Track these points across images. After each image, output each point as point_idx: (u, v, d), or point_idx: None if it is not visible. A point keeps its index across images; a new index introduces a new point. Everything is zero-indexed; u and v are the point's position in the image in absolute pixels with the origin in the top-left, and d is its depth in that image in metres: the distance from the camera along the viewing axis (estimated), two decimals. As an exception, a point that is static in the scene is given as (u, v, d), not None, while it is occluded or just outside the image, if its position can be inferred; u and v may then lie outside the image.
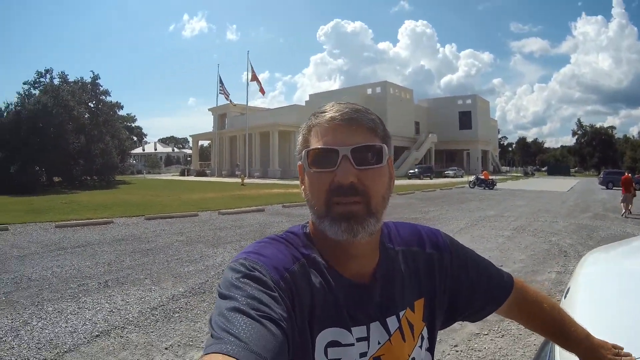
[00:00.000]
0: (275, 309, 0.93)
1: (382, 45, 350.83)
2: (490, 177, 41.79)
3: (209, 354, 0.80)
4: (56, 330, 5.70)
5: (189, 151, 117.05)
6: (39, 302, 6.88)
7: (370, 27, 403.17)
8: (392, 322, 1.16)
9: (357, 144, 1.08)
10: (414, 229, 1.36)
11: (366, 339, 1.12)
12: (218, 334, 0.86)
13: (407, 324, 1.18)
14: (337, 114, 1.10)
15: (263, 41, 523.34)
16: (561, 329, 1.41)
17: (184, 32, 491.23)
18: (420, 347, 1.22)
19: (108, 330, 5.73)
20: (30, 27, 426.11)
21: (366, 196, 1.07)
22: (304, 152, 1.13)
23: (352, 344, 1.09)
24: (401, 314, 1.18)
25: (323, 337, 1.07)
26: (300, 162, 1.18)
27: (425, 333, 1.24)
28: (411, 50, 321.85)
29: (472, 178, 44.80)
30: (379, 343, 1.13)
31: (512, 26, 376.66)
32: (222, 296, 0.98)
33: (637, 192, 22.04)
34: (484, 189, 39.50)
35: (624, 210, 20.08)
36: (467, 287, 1.32)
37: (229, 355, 0.80)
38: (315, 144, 1.12)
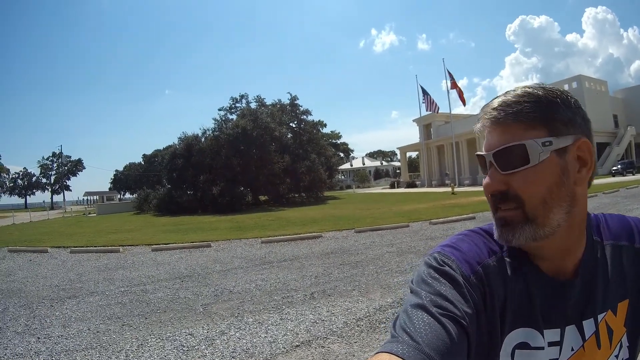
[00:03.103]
0: (460, 306, 0.94)
1: (570, 37, 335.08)
2: None
3: (379, 352, 0.83)
4: (254, 340, 5.78)
5: (397, 163, 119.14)
6: (239, 313, 7.05)
7: (555, 19, 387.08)
8: (588, 325, 1.08)
9: (499, 147, 1.03)
10: (624, 221, 1.24)
11: (559, 343, 1.07)
12: (395, 332, 0.89)
13: (605, 329, 1.09)
14: (485, 113, 1.07)
15: (455, 47, 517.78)
16: None
17: (375, 47, 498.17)
18: (617, 356, 1.11)
19: (309, 341, 5.71)
20: (219, 52, 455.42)
21: (519, 202, 1.02)
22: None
23: (542, 348, 1.05)
24: (600, 317, 1.09)
25: (512, 337, 1.04)
26: None
27: (625, 341, 1.13)
28: (598, 40, 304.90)
29: None
30: (572, 350, 1.07)
31: None
32: (411, 291, 1.02)
33: None
34: None
35: None
36: None
37: (396, 355, 0.82)
38: (480, 149, 1.12)
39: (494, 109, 1.05)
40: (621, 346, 1.11)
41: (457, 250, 1.07)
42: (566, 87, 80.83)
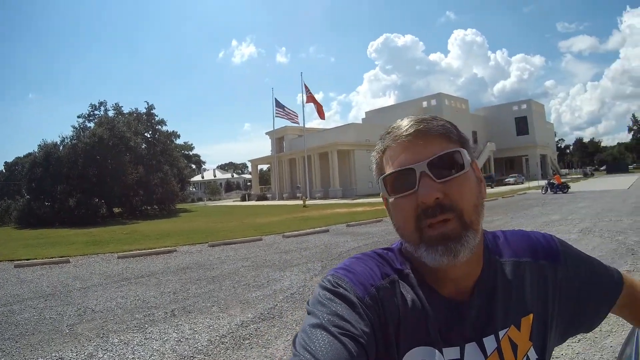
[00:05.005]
0: (357, 326, 0.94)
1: (434, 57, 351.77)
2: (562, 181, 41.14)
3: None
4: None
5: (248, 176, 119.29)
6: (103, 333, 6.87)
7: (421, 39, 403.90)
8: (489, 342, 1.08)
9: (431, 156, 1.03)
10: (526, 237, 1.27)
11: None
12: (297, 351, 0.90)
13: (508, 344, 1.10)
14: (402, 130, 1.07)
15: (314, 61, 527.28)
16: None
17: (234, 58, 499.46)
18: None
19: None
20: (80, 59, 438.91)
21: (457, 210, 1.02)
22: (380, 180, 1.11)
23: None
24: (502, 333, 1.10)
25: (411, 356, 1.03)
26: (382, 193, 1.15)
27: (532, 354, 1.13)
28: (463, 60, 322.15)
29: (543, 183, 44.60)
30: None
31: (558, 26, 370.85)
32: (308, 312, 1.01)
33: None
34: (555, 192, 39.10)
35: None
36: (581, 296, 1.24)
37: None
38: (389, 168, 1.08)
39: (419, 121, 1.07)
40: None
41: (350, 272, 1.07)
42: (425, 104, 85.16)
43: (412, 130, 1.05)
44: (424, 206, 1.00)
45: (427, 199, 0.99)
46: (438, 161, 1.02)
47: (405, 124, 1.08)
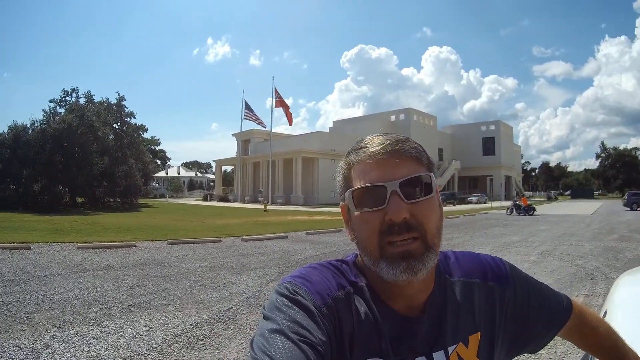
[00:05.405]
0: (315, 334, 0.95)
1: (406, 72, 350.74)
2: (528, 203, 41.33)
3: None
4: (78, 355, 5.62)
5: (212, 176, 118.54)
6: (60, 324, 6.85)
7: (395, 53, 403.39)
8: (439, 357, 1.10)
9: (404, 177, 1.05)
10: (476, 259, 1.31)
11: None
12: (256, 355, 0.91)
13: None
14: (378, 148, 1.08)
15: (287, 67, 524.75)
16: (615, 353, 1.39)
17: (208, 56, 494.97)
18: None
19: (131, 357, 5.63)
20: (55, 45, 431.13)
21: (421, 231, 1.04)
22: (347, 192, 1.12)
23: None
24: (451, 349, 1.12)
25: None
26: (343, 203, 1.18)
27: None
28: (435, 77, 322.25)
29: (507, 204, 44.76)
30: None
31: (534, 50, 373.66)
32: (265, 317, 1.01)
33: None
34: (522, 215, 39.11)
35: None
36: (529, 318, 1.27)
37: None
38: (359, 182, 1.09)
39: (395, 141, 1.09)
40: None
41: (307, 281, 1.08)
42: (393, 118, 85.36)
43: (389, 149, 1.07)
44: (391, 223, 1.03)
45: (397, 217, 1.02)
46: (409, 182, 1.05)
47: (380, 141, 1.10)
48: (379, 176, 1.06)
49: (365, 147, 1.10)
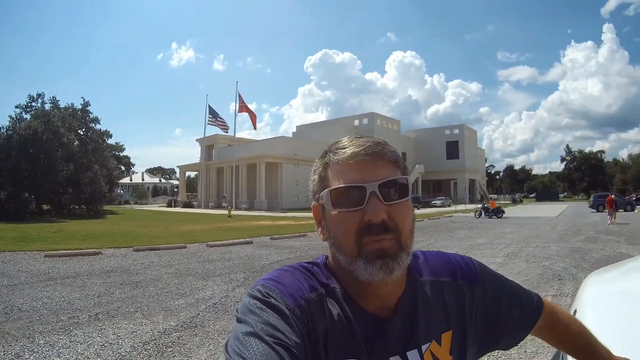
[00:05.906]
0: (290, 336, 0.95)
1: (370, 76, 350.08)
2: (497, 206, 41.21)
3: None
4: None
5: (176, 182, 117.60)
6: (30, 334, 6.81)
7: (359, 57, 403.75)
8: (413, 355, 1.13)
9: (383, 179, 1.07)
10: (445, 258, 1.34)
11: None
12: (232, 358, 0.91)
13: (430, 358, 1.15)
14: (359, 149, 1.09)
15: (250, 72, 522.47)
16: (587, 349, 1.43)
17: (172, 61, 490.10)
18: None
19: None
20: (21, 48, 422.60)
21: (397, 232, 1.06)
22: (325, 192, 1.12)
23: None
24: (424, 347, 1.15)
25: None
26: (315, 203, 1.18)
27: None
28: (399, 81, 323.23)
29: (474, 207, 44.64)
30: None
31: (499, 55, 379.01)
32: (239, 320, 1.01)
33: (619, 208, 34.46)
34: (490, 217, 39.12)
35: (609, 222, 28.99)
36: (500, 316, 1.31)
37: None
38: (337, 182, 1.09)
39: (375, 144, 1.11)
40: None
41: (279, 284, 1.08)
42: (357, 122, 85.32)
43: (370, 151, 1.08)
44: (369, 223, 1.04)
45: (375, 218, 1.03)
46: (387, 184, 1.06)
47: (361, 142, 1.11)
48: (359, 177, 1.07)
49: (344, 148, 1.11)
